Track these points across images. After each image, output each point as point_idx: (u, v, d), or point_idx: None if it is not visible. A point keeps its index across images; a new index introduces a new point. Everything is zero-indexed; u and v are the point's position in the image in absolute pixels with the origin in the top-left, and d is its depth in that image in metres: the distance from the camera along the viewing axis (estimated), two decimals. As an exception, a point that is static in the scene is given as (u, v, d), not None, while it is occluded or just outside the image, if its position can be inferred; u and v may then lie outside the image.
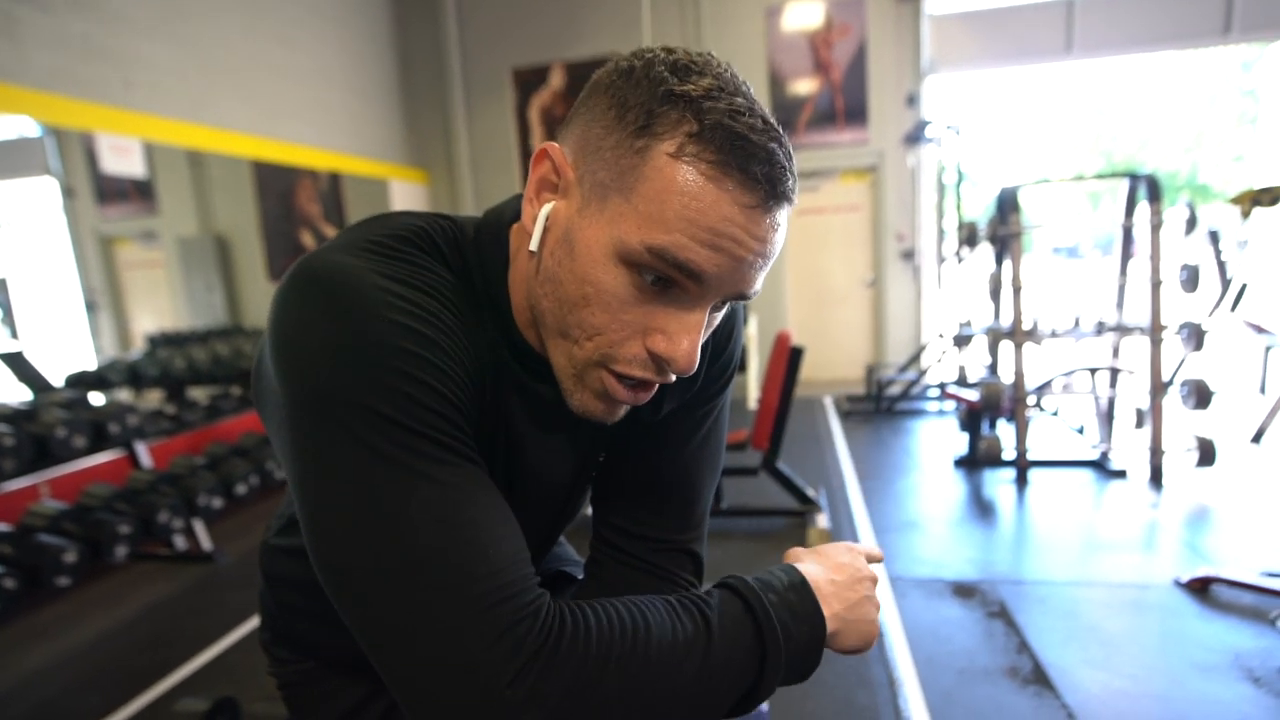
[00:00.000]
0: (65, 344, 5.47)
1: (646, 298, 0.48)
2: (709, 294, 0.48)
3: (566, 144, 0.50)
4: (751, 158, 0.44)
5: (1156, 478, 3.16)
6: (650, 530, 0.65)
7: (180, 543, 2.90)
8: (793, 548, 0.64)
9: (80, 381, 3.71)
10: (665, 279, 0.47)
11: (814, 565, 0.59)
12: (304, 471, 0.47)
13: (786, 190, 0.46)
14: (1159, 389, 3.17)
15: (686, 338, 0.48)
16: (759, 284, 0.49)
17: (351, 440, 0.44)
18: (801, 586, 0.56)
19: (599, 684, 0.46)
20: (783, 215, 0.48)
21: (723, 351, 0.67)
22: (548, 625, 0.46)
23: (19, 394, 3.15)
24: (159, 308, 5.64)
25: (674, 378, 0.51)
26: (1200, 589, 2.20)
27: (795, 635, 0.54)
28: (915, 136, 5.36)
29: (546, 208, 0.50)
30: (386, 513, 0.44)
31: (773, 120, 0.47)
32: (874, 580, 0.61)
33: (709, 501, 0.69)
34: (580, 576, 0.82)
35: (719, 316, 0.52)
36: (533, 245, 0.50)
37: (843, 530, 2.85)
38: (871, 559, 0.64)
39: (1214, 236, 3.13)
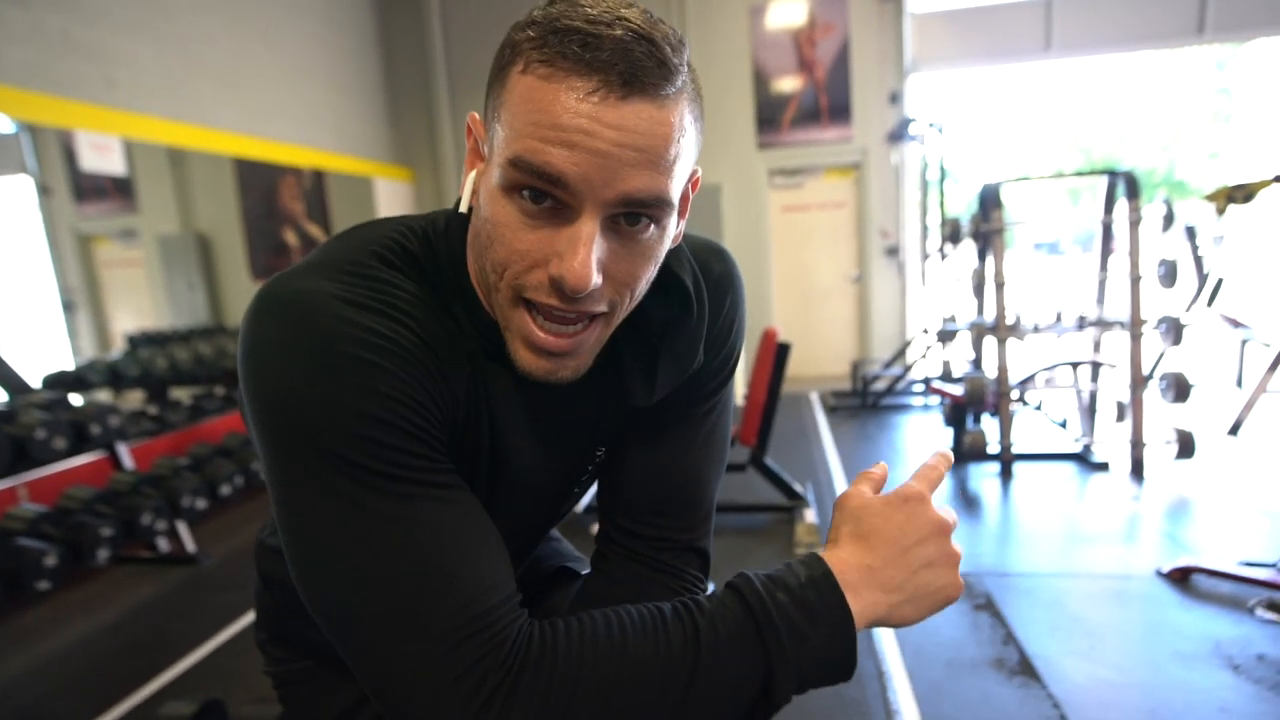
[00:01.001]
0: (42, 344, 5.38)
1: (537, 223, 0.46)
2: (585, 201, 0.45)
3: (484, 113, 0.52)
4: (586, 45, 0.42)
5: (1138, 470, 3.21)
6: (655, 529, 0.64)
7: (164, 545, 2.86)
8: (841, 511, 0.57)
9: (59, 382, 3.65)
10: (538, 193, 0.45)
11: (849, 548, 0.55)
12: (275, 497, 0.49)
13: (641, 74, 0.43)
14: (1139, 383, 3.22)
15: (575, 254, 0.45)
16: (655, 189, 0.45)
17: (313, 480, 0.46)
18: (824, 580, 0.52)
19: (569, 713, 0.46)
20: (652, 108, 0.44)
21: (723, 345, 0.65)
22: (512, 659, 0.46)
23: (-4, 396, 3.10)
24: (139, 307, 5.56)
25: (595, 305, 0.49)
26: (1181, 579, 2.24)
27: (811, 638, 0.50)
28: (898, 134, 5.40)
29: (472, 174, 0.52)
30: (346, 554, 0.46)
31: (637, 17, 0.44)
32: (944, 531, 0.55)
33: (714, 498, 0.69)
34: (582, 571, 0.82)
35: (644, 237, 0.48)
36: (462, 207, 0.52)
37: (829, 526, 2.87)
38: (932, 476, 0.58)
39: (1191, 232, 3.18)
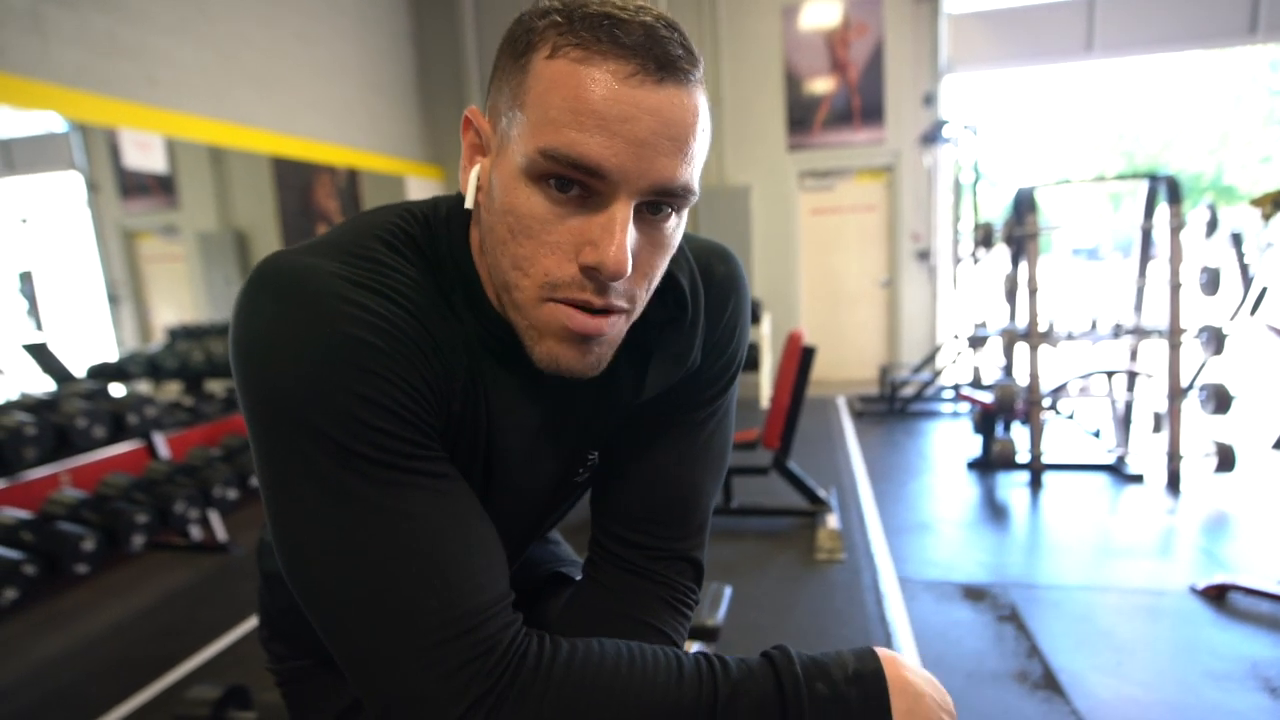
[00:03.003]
0: (87, 336, 5.56)
1: (566, 212, 0.45)
2: (620, 189, 0.44)
3: (487, 105, 0.50)
4: (619, 27, 0.43)
5: (1174, 483, 3.12)
6: (649, 538, 0.63)
7: (196, 533, 2.94)
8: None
9: (101, 373, 3.77)
10: (571, 182, 0.44)
11: (905, 664, 0.51)
12: (260, 475, 0.47)
13: (674, 60, 0.43)
14: (1177, 393, 3.13)
15: (611, 241, 0.44)
16: (683, 177, 0.45)
17: (301, 462, 0.44)
18: (873, 679, 0.48)
19: None
20: (684, 95, 0.44)
21: (725, 349, 0.63)
22: (503, 668, 0.45)
23: (43, 384, 3.21)
24: (179, 301, 5.71)
25: (619, 299, 0.48)
26: (1217, 596, 2.17)
27: None
28: (932, 136, 5.32)
29: (475, 169, 0.50)
30: (329, 541, 0.44)
31: (653, 8, 0.45)
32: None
33: (711, 507, 0.67)
34: (577, 577, 0.80)
35: (666, 226, 0.48)
36: (467, 203, 0.50)
37: (853, 531, 2.84)
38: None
39: (1236, 239, 3.08)
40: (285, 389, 0.43)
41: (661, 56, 0.43)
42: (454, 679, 0.44)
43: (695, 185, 0.47)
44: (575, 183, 0.44)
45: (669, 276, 0.58)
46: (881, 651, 0.51)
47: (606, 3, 0.44)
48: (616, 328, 0.50)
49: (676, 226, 0.49)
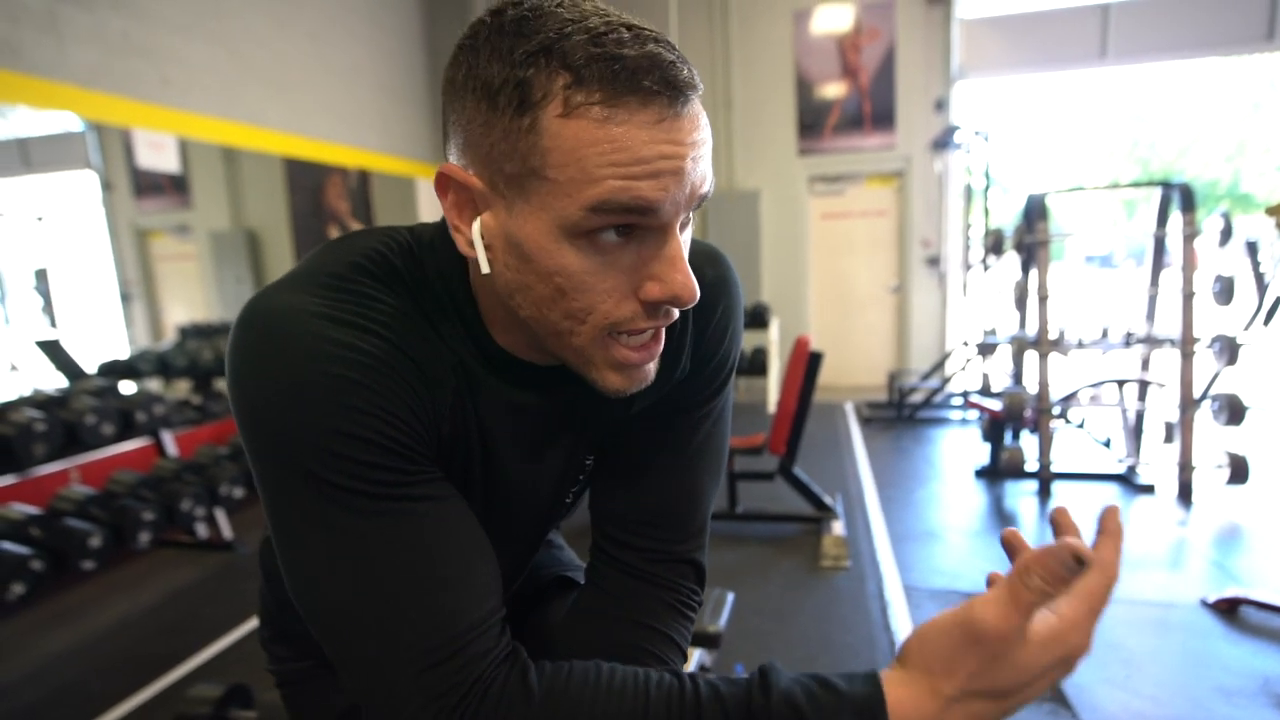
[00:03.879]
0: (100, 333, 5.61)
1: (616, 256, 0.46)
2: (670, 219, 0.45)
3: (458, 158, 0.48)
4: (637, 73, 0.41)
5: (1185, 494, 3.08)
6: (649, 541, 0.63)
7: (202, 531, 2.95)
8: (968, 638, 0.42)
9: (112, 370, 3.80)
10: (622, 228, 0.45)
11: (915, 680, 0.44)
12: (263, 505, 0.50)
13: (684, 83, 0.43)
14: (1190, 403, 3.09)
15: (676, 272, 0.46)
16: (710, 178, 0.47)
17: (290, 495, 0.47)
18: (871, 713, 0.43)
19: None
20: (697, 108, 0.45)
21: (715, 354, 0.63)
22: (473, 696, 0.46)
23: (55, 380, 3.24)
24: (191, 299, 5.76)
25: (676, 314, 0.50)
26: (1228, 610, 2.14)
27: None
28: (943, 142, 5.29)
29: (476, 226, 0.48)
30: (322, 570, 0.47)
31: (633, 20, 0.44)
32: (1053, 675, 0.44)
33: (710, 508, 0.67)
34: (581, 581, 0.80)
35: (688, 231, 0.50)
36: (484, 269, 0.48)
37: (859, 538, 2.82)
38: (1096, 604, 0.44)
39: (1252, 248, 3.04)
40: (273, 430, 0.46)
41: (677, 86, 0.43)
42: (430, 707, 0.46)
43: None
44: (628, 226, 0.45)
45: None
46: (891, 679, 0.45)
47: (601, 38, 0.42)
48: (660, 343, 0.51)
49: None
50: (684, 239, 0.49)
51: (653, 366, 0.52)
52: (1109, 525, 0.46)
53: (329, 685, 0.76)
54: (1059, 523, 0.47)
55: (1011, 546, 0.47)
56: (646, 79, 0.42)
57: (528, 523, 0.65)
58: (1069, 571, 0.41)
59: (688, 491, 0.64)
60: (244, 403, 0.47)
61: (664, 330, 0.51)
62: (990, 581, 0.48)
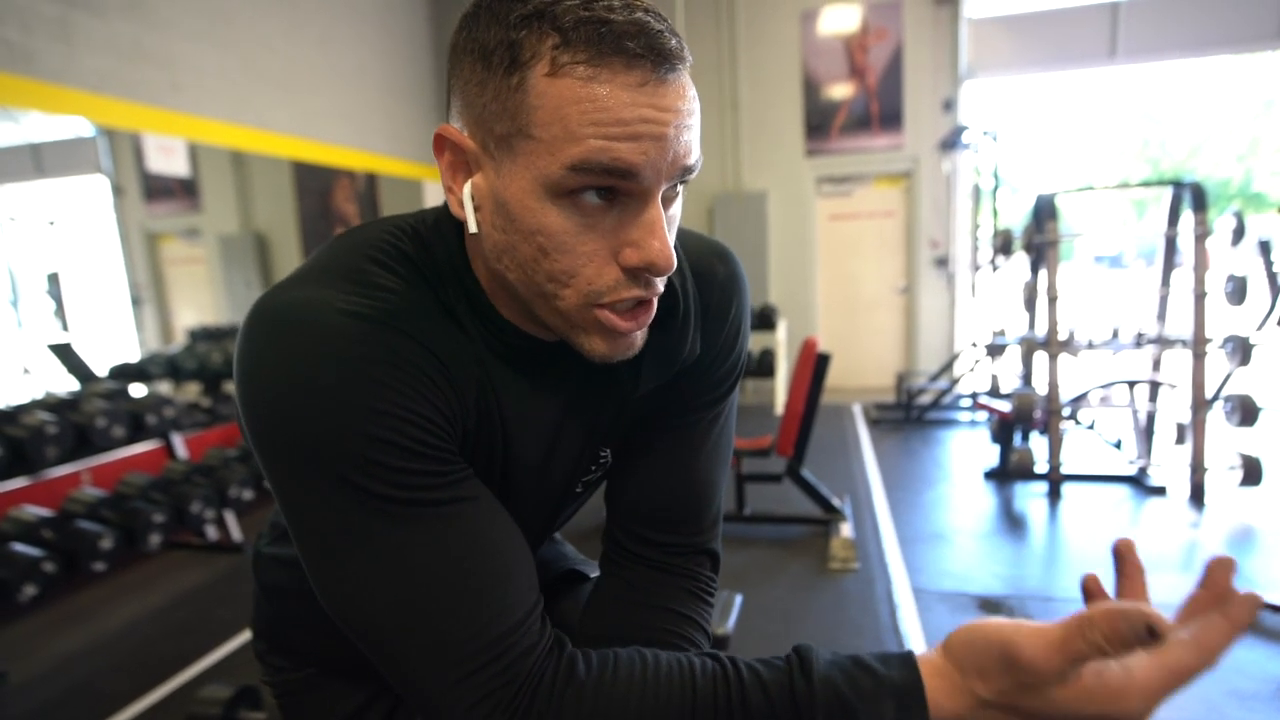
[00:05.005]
0: (110, 337, 5.65)
1: (596, 219, 0.46)
2: (651, 185, 0.45)
3: (456, 120, 0.49)
4: (623, 36, 0.42)
5: (1198, 496, 3.05)
6: (669, 535, 0.65)
7: (212, 533, 2.97)
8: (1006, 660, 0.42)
9: (123, 373, 3.83)
10: (603, 190, 0.45)
11: (950, 674, 0.45)
12: (285, 515, 0.48)
13: (671, 51, 0.44)
14: (1201, 404, 3.07)
15: (654, 237, 0.45)
16: (696, 151, 0.47)
17: (319, 501, 0.45)
18: (908, 693, 0.44)
19: None
20: (684, 79, 0.45)
21: (731, 350, 0.64)
22: (521, 697, 0.46)
23: (67, 384, 3.27)
24: (200, 303, 5.80)
25: (661, 285, 0.49)
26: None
27: None
28: (951, 142, 5.27)
29: (466, 187, 0.48)
30: (357, 577, 0.46)
31: None
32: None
33: (722, 499, 0.69)
34: (590, 574, 0.82)
35: (676, 205, 0.50)
36: (471, 228, 0.48)
37: (867, 540, 2.81)
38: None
39: (1264, 247, 3.01)
40: (297, 437, 0.44)
41: (662, 53, 0.43)
42: (478, 709, 0.46)
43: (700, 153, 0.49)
44: (611, 190, 0.45)
45: None
46: (932, 690, 0.44)
47: (591, 4, 0.42)
48: (651, 312, 0.51)
49: (680, 199, 0.51)
50: (673, 214, 0.50)
51: (640, 335, 0.51)
52: (1230, 601, 0.41)
53: (328, 694, 0.76)
54: (1123, 559, 0.46)
55: (1120, 559, 0.46)
56: (631, 42, 0.42)
57: (540, 511, 0.65)
58: (1137, 639, 0.38)
59: (704, 485, 0.65)
60: (259, 405, 0.45)
61: (655, 299, 0.51)
62: (1085, 587, 0.47)
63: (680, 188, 0.49)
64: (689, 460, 0.64)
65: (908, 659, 0.46)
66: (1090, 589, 0.46)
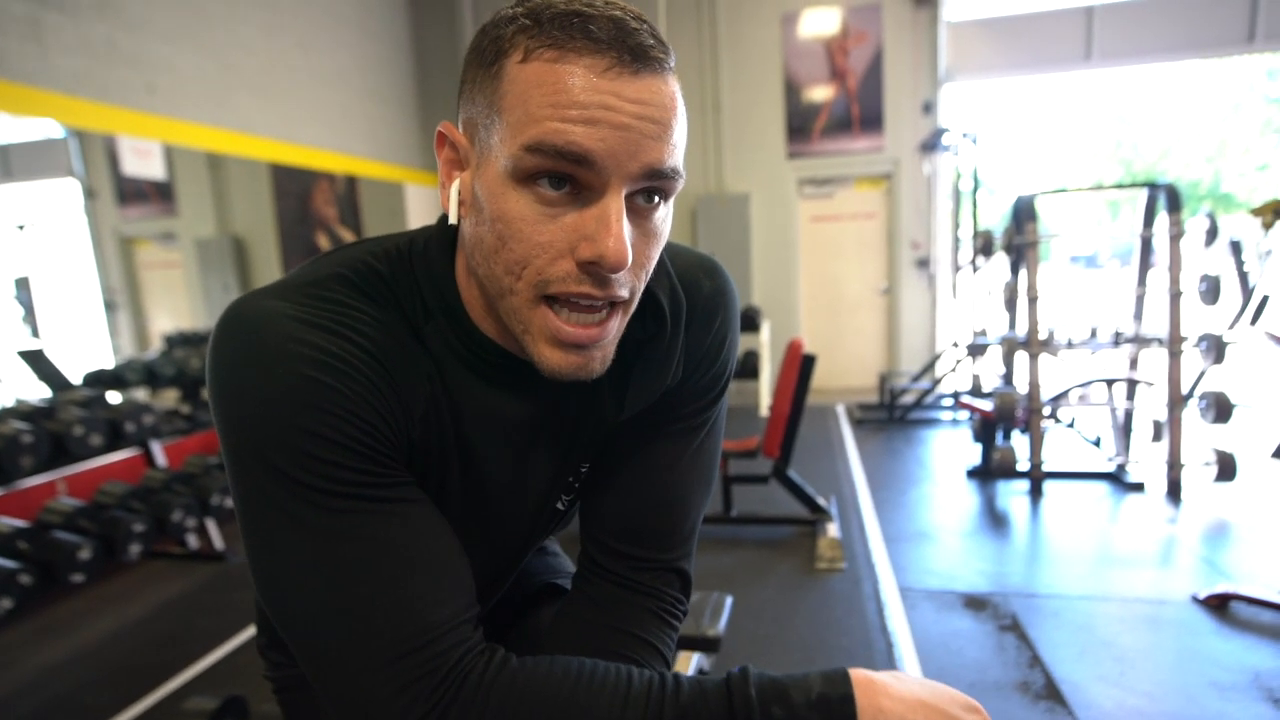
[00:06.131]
0: (84, 343, 5.54)
1: (557, 211, 0.45)
2: (611, 177, 0.44)
3: (460, 120, 0.51)
4: (590, 22, 0.43)
5: (1174, 492, 3.11)
6: (636, 549, 0.63)
7: (193, 541, 2.92)
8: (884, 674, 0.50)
9: (98, 380, 3.75)
10: (560, 177, 0.44)
11: (888, 689, 0.49)
12: (234, 504, 0.50)
13: (647, 50, 0.44)
14: (1177, 401, 3.13)
15: (608, 234, 0.44)
16: (670, 160, 0.46)
17: (260, 493, 0.47)
18: (839, 705, 0.47)
19: None
20: (660, 83, 0.45)
21: (714, 363, 0.64)
22: (445, 686, 0.47)
23: (39, 391, 3.20)
24: (176, 308, 5.71)
25: (620, 289, 0.48)
26: (1219, 606, 2.16)
27: None
28: (931, 144, 5.33)
29: (455, 183, 0.50)
30: (288, 567, 0.48)
31: (615, 2, 0.45)
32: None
33: (699, 517, 0.67)
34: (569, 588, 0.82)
35: (657, 216, 0.49)
36: (451, 218, 0.50)
37: (853, 540, 2.83)
38: None
39: (1236, 247, 3.08)
40: (244, 428, 0.47)
41: (635, 48, 0.43)
42: (401, 696, 0.46)
43: (681, 166, 0.47)
44: (567, 178, 0.44)
45: (649, 294, 0.58)
46: (858, 674, 0.49)
47: (572, 1, 0.44)
48: (616, 322, 0.50)
49: (665, 216, 0.50)
50: (654, 228, 0.49)
51: (599, 356, 0.50)
52: None
53: None
54: None
55: None
56: (601, 32, 0.43)
57: (513, 528, 0.65)
58: None
59: (678, 501, 0.64)
60: (219, 401, 0.48)
61: (614, 317, 0.49)
62: None
63: (661, 201, 0.48)
64: (664, 472, 0.63)
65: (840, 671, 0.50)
66: None
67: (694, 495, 0.65)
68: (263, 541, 0.48)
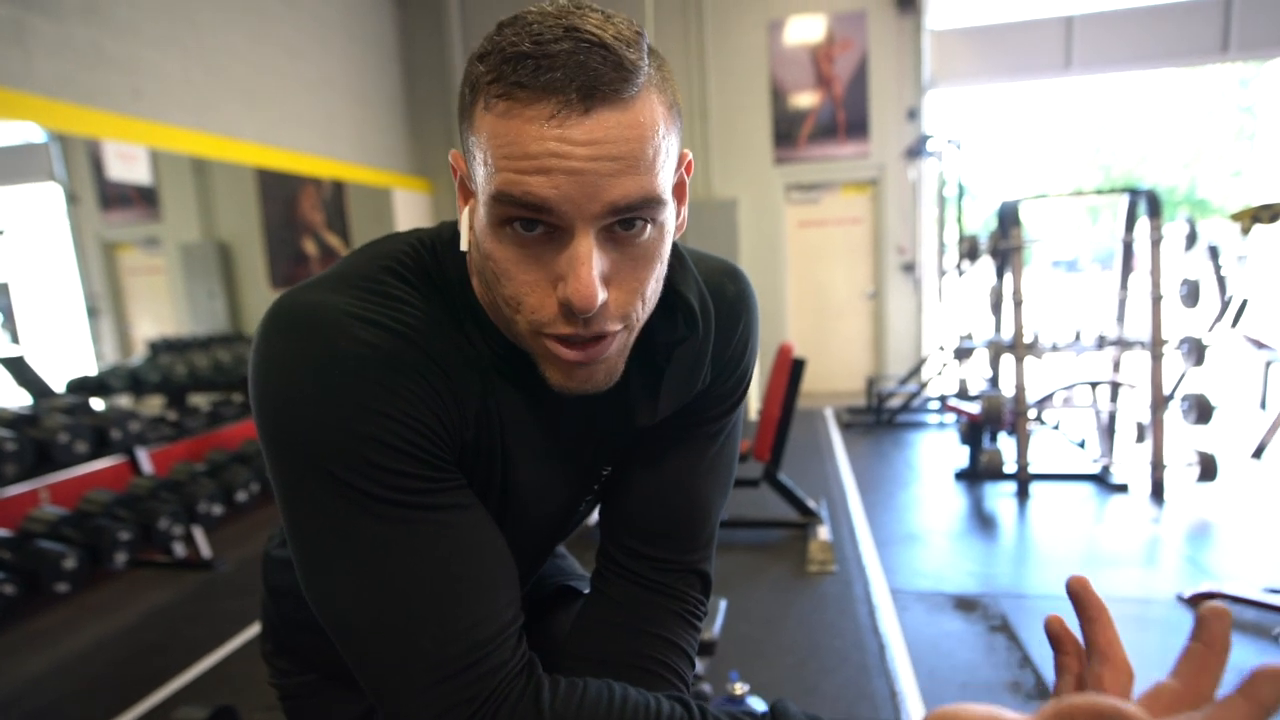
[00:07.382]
0: (66, 349, 5.46)
1: (537, 251, 0.45)
2: (575, 220, 0.43)
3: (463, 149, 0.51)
4: (539, 69, 0.41)
5: (1158, 492, 3.16)
6: (659, 550, 0.64)
7: (180, 550, 2.89)
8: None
9: (82, 387, 3.71)
10: (528, 222, 0.44)
11: None
12: (280, 507, 0.49)
13: (601, 84, 0.41)
14: (1160, 403, 3.18)
15: (576, 279, 0.44)
16: (641, 190, 0.44)
17: (312, 497, 0.46)
18: None
19: None
20: (618, 114, 0.42)
21: (736, 367, 0.64)
22: (487, 709, 0.47)
23: (20, 399, 3.15)
24: (161, 313, 5.64)
25: (607, 325, 0.47)
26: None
27: None
28: (916, 150, 5.39)
29: (466, 210, 0.50)
30: (341, 573, 0.47)
31: (587, 23, 0.42)
32: None
33: (718, 520, 0.68)
34: (584, 590, 0.80)
35: (642, 240, 0.46)
36: (463, 245, 0.51)
37: (844, 542, 2.85)
38: None
39: (1214, 252, 3.14)
40: (298, 433, 0.45)
41: (585, 85, 0.41)
42: (445, 718, 0.47)
43: (661, 191, 0.45)
44: (536, 222, 0.44)
45: (678, 295, 0.57)
46: None
47: (531, 35, 0.42)
48: (617, 342, 0.49)
49: (657, 236, 0.47)
50: (638, 252, 0.47)
51: (603, 370, 0.50)
52: (1253, 683, 0.32)
53: (331, 698, 0.76)
54: (1081, 601, 0.42)
55: (1078, 600, 0.43)
56: (547, 75, 0.41)
57: (540, 529, 0.65)
58: None
59: (700, 503, 0.65)
60: (266, 401, 0.46)
61: (618, 340, 0.49)
62: (1051, 633, 0.45)
63: (647, 225, 0.46)
64: (687, 474, 0.64)
65: None
66: (1057, 635, 0.44)
67: (715, 498, 0.66)
68: (312, 547, 0.48)
